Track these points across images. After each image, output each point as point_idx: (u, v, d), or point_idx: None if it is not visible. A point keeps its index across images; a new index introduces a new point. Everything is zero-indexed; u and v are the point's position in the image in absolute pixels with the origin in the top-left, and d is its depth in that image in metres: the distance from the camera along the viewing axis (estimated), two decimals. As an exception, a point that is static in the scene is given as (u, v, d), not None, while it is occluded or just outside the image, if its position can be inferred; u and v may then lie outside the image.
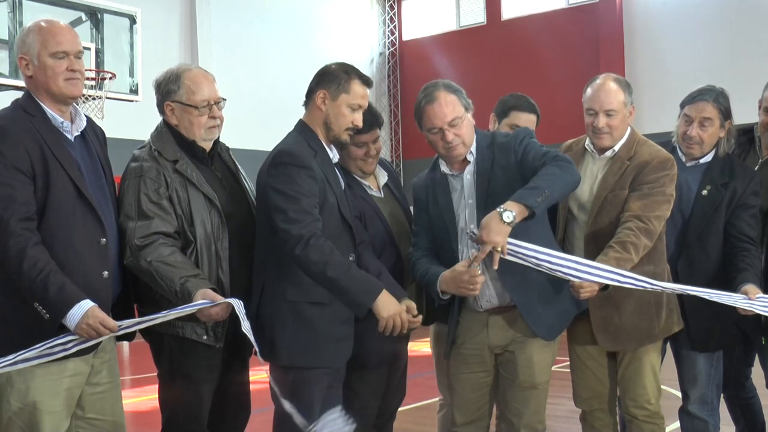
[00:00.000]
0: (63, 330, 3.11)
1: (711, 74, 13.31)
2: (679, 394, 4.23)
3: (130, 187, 3.48)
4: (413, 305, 3.62)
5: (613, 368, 4.02)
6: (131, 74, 10.57)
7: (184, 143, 3.60)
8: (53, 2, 9.45)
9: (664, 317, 3.91)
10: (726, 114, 4.04)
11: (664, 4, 16.68)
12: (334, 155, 3.71)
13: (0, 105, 3.55)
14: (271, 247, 3.52)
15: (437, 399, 4.71)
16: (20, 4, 9.04)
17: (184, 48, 16.16)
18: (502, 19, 18.88)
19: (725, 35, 15.78)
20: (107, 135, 3.62)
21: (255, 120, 14.85)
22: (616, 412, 4.13)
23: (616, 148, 3.89)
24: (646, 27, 16.86)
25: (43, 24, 3.28)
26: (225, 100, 3.70)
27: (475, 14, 19.33)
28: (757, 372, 4.49)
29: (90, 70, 9.20)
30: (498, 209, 3.35)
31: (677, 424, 4.27)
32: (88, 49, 9.34)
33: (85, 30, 9.82)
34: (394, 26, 20.39)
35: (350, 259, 3.63)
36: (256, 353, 3.51)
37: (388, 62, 20.37)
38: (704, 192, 4.03)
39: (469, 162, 3.75)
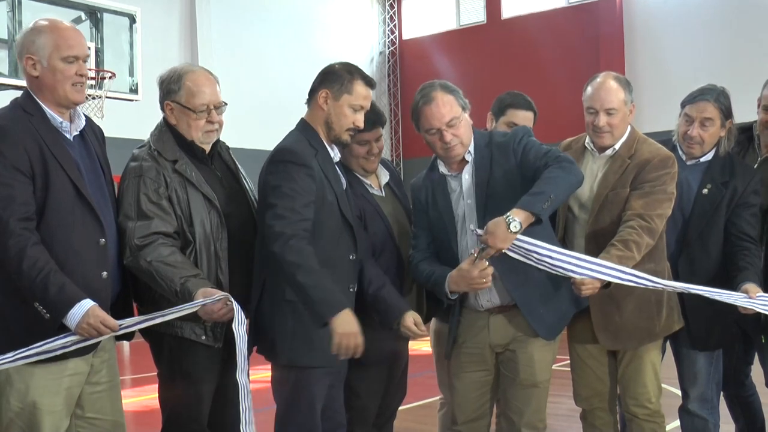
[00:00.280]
0: (63, 329, 3.11)
1: (711, 73, 13.29)
2: (679, 393, 4.24)
3: (129, 186, 3.47)
4: (419, 318, 3.71)
5: (613, 367, 4.02)
6: (131, 73, 10.56)
7: (183, 143, 3.60)
8: (53, 1, 9.44)
9: (665, 316, 3.91)
10: (727, 113, 4.04)
11: (664, 3, 16.67)
12: (335, 154, 3.71)
13: (-1, 104, 3.56)
14: None
15: (438, 398, 4.71)
16: (20, 3, 9.03)
17: (183, 47, 16.15)
18: (502, 18, 18.87)
19: (725, 34, 15.77)
20: (107, 134, 3.62)
21: (255, 119, 14.85)
22: (617, 410, 4.13)
23: (617, 146, 3.89)
24: (647, 26, 16.85)
25: (54, 25, 3.27)
26: (226, 104, 3.67)
27: (475, 13, 19.32)
28: (756, 370, 4.49)
29: (90, 70, 9.20)
30: (505, 217, 3.35)
31: (677, 422, 4.28)
32: (88, 48, 9.32)
33: (84, 29, 9.82)
34: (394, 25, 20.38)
35: (351, 258, 3.64)
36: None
37: (388, 61, 20.36)
38: (705, 191, 4.03)
39: (468, 162, 3.75)
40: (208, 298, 3.28)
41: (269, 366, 3.69)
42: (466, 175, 3.76)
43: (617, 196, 3.81)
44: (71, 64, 3.23)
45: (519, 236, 3.39)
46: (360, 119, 3.65)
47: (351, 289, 3.67)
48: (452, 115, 3.64)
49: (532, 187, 3.47)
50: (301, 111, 3.78)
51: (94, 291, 3.18)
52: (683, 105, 4.11)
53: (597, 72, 4.05)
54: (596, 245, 3.73)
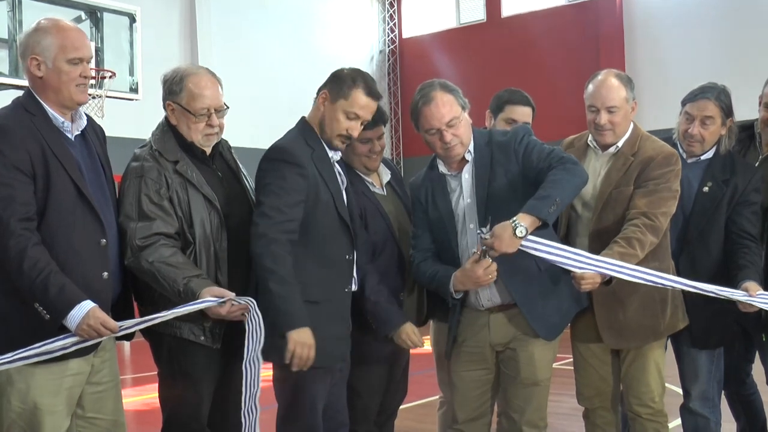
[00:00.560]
0: (64, 330, 3.11)
1: (711, 71, 13.28)
2: (680, 391, 4.23)
3: (130, 187, 3.47)
4: (415, 330, 3.78)
5: (616, 366, 4.02)
6: (131, 73, 10.55)
7: (184, 143, 3.59)
8: (53, 1, 9.44)
9: (669, 314, 3.90)
10: (727, 112, 4.03)
11: (664, 1, 16.66)
12: (335, 153, 3.70)
13: (-1, 104, 3.55)
14: None
15: (438, 397, 4.71)
16: (20, 2, 9.02)
17: (183, 46, 16.15)
18: (502, 17, 18.86)
19: (725, 32, 15.76)
20: (107, 134, 3.62)
21: (254, 118, 14.83)
22: (618, 409, 4.12)
23: (620, 144, 3.88)
24: (647, 24, 16.84)
25: (59, 26, 3.26)
26: (227, 107, 3.66)
27: (474, 11, 19.31)
28: (757, 369, 4.49)
29: (90, 69, 9.19)
30: (511, 222, 3.36)
31: (678, 421, 4.27)
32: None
33: (84, 28, 9.74)
34: (394, 24, 20.37)
35: (347, 258, 3.63)
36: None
37: (388, 60, 20.34)
38: (705, 189, 4.02)
39: (468, 161, 3.74)
40: (216, 299, 3.27)
41: (270, 365, 3.68)
42: (466, 175, 3.75)
43: (621, 194, 3.80)
44: (76, 66, 3.23)
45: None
46: (354, 127, 3.62)
47: (347, 290, 3.67)
48: (452, 115, 3.63)
49: (535, 189, 3.48)
50: (301, 109, 3.77)
51: (95, 291, 3.18)
52: (684, 103, 4.09)
53: (597, 70, 4.04)
54: (600, 243, 3.72)
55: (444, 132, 3.63)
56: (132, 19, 10.52)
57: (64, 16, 3.62)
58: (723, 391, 4.30)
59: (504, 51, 18.21)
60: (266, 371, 3.74)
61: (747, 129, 4.34)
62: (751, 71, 9.15)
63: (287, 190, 3.46)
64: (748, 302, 3.58)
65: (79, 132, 3.35)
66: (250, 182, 3.79)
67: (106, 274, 3.27)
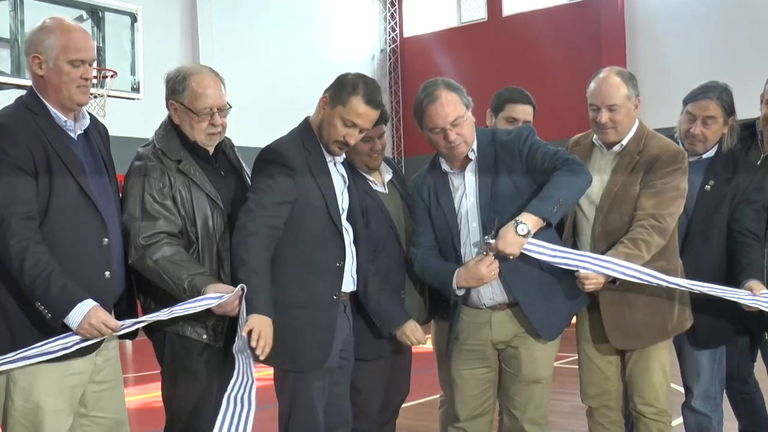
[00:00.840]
0: (65, 329, 3.11)
1: (712, 69, 13.29)
2: (682, 390, 4.23)
3: (134, 185, 3.47)
4: (418, 327, 3.78)
5: (621, 365, 4.00)
6: (132, 72, 10.56)
7: (187, 143, 3.59)
8: (55, 0, 9.44)
9: (677, 314, 3.89)
10: (729, 110, 4.02)
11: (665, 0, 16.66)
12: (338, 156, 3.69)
13: (0, 104, 3.55)
14: None
15: (438, 395, 4.70)
16: (21, 2, 9.03)
17: (185, 45, 16.16)
18: (503, 15, 18.87)
19: (727, 30, 15.76)
20: (109, 133, 3.62)
21: (255, 117, 14.82)
22: (622, 408, 4.11)
23: (624, 142, 3.85)
24: (648, 22, 16.84)
25: (64, 26, 3.26)
26: (230, 107, 3.65)
27: (476, 10, 19.32)
28: (759, 367, 4.48)
29: (93, 70, 9.18)
30: (514, 222, 3.37)
31: (680, 419, 4.27)
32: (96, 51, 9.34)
33: (86, 28, 9.73)
34: (395, 23, 20.37)
35: (337, 265, 3.62)
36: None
37: (390, 59, 20.35)
38: (707, 187, 4.01)
39: (471, 160, 3.74)
40: (219, 295, 3.27)
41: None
42: (469, 174, 3.75)
43: (627, 194, 3.78)
44: (77, 68, 3.22)
45: (532, 240, 3.40)
46: (351, 135, 3.59)
47: (335, 297, 3.63)
48: (457, 114, 3.62)
49: (539, 189, 3.47)
50: (302, 108, 3.77)
51: (97, 291, 3.18)
52: (685, 102, 4.07)
53: (599, 68, 4.01)
54: (606, 243, 3.71)
55: (448, 131, 3.62)
56: (133, 18, 10.53)
57: (66, 15, 3.61)
58: (725, 390, 4.29)
59: (505, 50, 18.21)
60: (266, 370, 3.74)
61: (749, 127, 4.33)
62: (753, 69, 9.16)
63: (273, 189, 3.46)
64: (752, 304, 3.57)
65: (82, 131, 3.35)
66: (252, 181, 3.78)
67: (108, 273, 3.27)
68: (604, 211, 3.80)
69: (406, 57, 20.25)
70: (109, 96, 10.15)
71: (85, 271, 3.19)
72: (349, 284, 3.71)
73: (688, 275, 3.83)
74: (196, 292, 3.30)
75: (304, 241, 3.53)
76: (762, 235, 3.98)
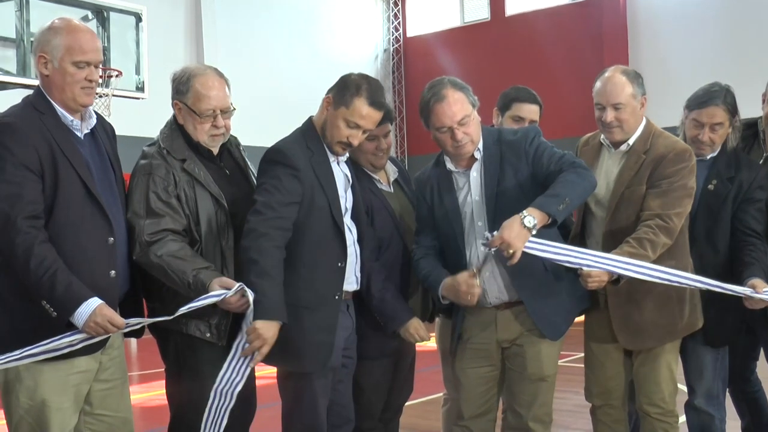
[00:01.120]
0: (71, 327, 3.10)
1: (714, 68, 13.26)
2: (685, 389, 4.22)
3: (139, 184, 3.47)
4: (421, 325, 3.80)
5: (628, 365, 3.99)
6: (137, 72, 10.55)
7: (191, 142, 3.59)
8: (60, 0, 9.44)
9: (687, 314, 3.87)
10: (734, 112, 4.00)
11: (667, -1, 16.66)
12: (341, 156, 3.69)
13: (6, 103, 3.54)
14: None
15: (442, 394, 4.70)
16: (27, 2, 9.02)
17: (189, 45, 16.17)
18: (506, 15, 18.87)
19: (728, 30, 15.75)
20: (115, 132, 3.61)
21: (259, 117, 14.84)
22: (626, 407, 4.10)
23: (631, 141, 3.83)
24: (650, 22, 16.83)
25: (72, 27, 3.25)
26: (234, 109, 3.65)
27: (478, 10, 19.32)
28: (762, 366, 4.47)
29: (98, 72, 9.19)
30: (520, 214, 3.34)
31: (684, 418, 4.26)
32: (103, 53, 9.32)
33: (91, 28, 9.79)
34: (399, 23, 20.37)
35: (339, 265, 3.61)
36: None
37: (393, 59, 20.35)
38: (710, 186, 3.99)
39: (476, 159, 3.73)
40: (224, 291, 3.27)
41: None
42: (475, 173, 3.74)
43: (634, 194, 3.76)
44: (81, 69, 3.22)
45: (535, 239, 3.38)
46: (355, 136, 3.59)
47: (336, 297, 3.62)
48: (464, 113, 3.62)
49: (544, 190, 3.46)
50: (305, 108, 3.76)
51: (102, 289, 3.17)
52: (690, 108, 4.03)
53: (601, 68, 4.00)
54: (613, 243, 3.68)
55: (455, 130, 3.61)
56: (138, 18, 10.52)
57: (71, 15, 3.61)
58: (727, 389, 4.28)
59: (508, 49, 18.21)
60: (270, 369, 3.74)
61: (751, 126, 4.31)
62: (754, 68, 9.15)
63: (280, 190, 3.45)
64: (756, 297, 3.55)
65: (89, 130, 3.34)
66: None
67: (113, 272, 3.26)
68: (612, 210, 3.79)
69: (410, 57, 20.25)
70: (113, 95, 10.15)
71: (91, 270, 3.18)
72: (352, 283, 3.70)
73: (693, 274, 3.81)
74: (201, 286, 3.29)
75: (307, 242, 3.52)
76: (765, 234, 3.97)
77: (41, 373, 3.18)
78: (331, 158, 3.65)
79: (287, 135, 3.69)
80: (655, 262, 3.57)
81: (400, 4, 20.40)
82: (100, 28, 10.01)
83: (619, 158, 3.87)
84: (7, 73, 9.09)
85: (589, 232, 3.90)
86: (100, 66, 3.31)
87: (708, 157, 4.05)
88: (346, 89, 3.57)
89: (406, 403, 4.28)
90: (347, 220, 3.67)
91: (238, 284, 3.30)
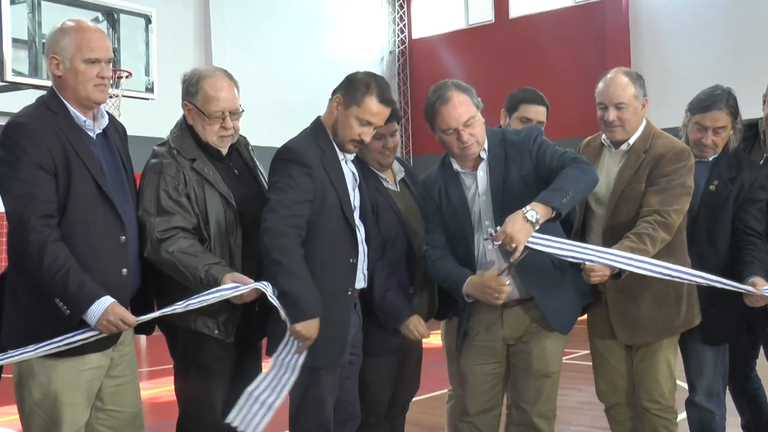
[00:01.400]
0: (84, 325, 3.11)
1: (715, 70, 13.24)
2: (686, 386, 4.22)
3: (150, 182, 3.47)
4: (421, 322, 3.81)
5: (630, 361, 4.00)
6: (147, 73, 10.56)
7: (201, 142, 3.60)
8: (71, 3, 9.46)
9: (685, 310, 3.88)
10: (736, 114, 4.01)
11: (669, 2, 16.63)
12: (349, 153, 3.69)
13: (19, 104, 3.55)
14: None
15: (447, 390, 4.70)
16: (39, 4, 9.04)
17: (198, 47, 16.18)
18: (509, 17, 18.85)
19: (729, 31, 15.72)
20: (127, 132, 3.61)
21: (265, 117, 14.85)
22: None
23: (631, 141, 3.86)
24: (652, 24, 16.81)
25: (79, 27, 3.26)
26: (243, 111, 3.65)
27: (483, 12, 19.30)
28: (762, 364, 4.47)
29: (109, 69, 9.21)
30: (523, 209, 3.34)
31: (684, 415, 4.26)
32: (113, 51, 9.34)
33: (102, 29, 9.81)
34: (404, 25, 20.36)
35: (350, 261, 3.63)
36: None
37: (398, 60, 20.35)
38: (711, 187, 4.00)
39: (483, 159, 3.74)
40: (235, 285, 3.27)
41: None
42: (481, 173, 3.75)
43: (633, 192, 3.79)
44: (92, 66, 3.22)
45: (538, 235, 3.38)
46: (367, 133, 3.62)
47: (349, 292, 3.65)
48: (469, 114, 3.63)
49: (548, 185, 3.46)
50: (312, 109, 3.76)
51: (114, 287, 3.18)
52: (693, 111, 4.04)
53: (603, 69, 4.03)
54: (613, 240, 3.69)
55: (461, 131, 3.62)
56: (148, 20, 10.53)
57: (82, 17, 3.62)
58: (728, 386, 4.28)
59: (512, 51, 18.21)
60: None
61: (752, 127, 4.31)
62: (756, 70, 9.12)
63: (294, 188, 3.46)
64: (756, 294, 3.55)
65: (101, 130, 3.35)
66: (266, 179, 3.78)
67: (125, 270, 3.27)
68: (612, 208, 3.81)
69: (415, 58, 20.24)
70: (123, 96, 10.17)
71: (103, 268, 3.19)
72: (360, 281, 3.71)
73: (695, 274, 3.81)
74: (212, 281, 3.29)
75: (319, 239, 3.52)
76: (766, 234, 3.97)
77: (54, 369, 3.19)
78: (340, 156, 3.66)
79: (296, 135, 3.69)
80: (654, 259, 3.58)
81: (405, 7, 20.40)
82: (111, 30, 10.02)
83: (620, 157, 3.88)
84: (20, 74, 9.11)
85: (590, 229, 3.92)
86: (111, 66, 3.30)
87: (710, 158, 4.05)
88: (356, 88, 3.59)
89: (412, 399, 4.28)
90: (356, 218, 3.68)
91: (248, 281, 3.30)
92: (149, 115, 10.44)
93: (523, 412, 3.82)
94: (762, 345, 4.36)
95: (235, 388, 3.65)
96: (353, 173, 3.74)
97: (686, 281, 3.66)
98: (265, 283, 3.36)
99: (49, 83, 3.35)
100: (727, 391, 4.29)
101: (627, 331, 3.88)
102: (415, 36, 20.32)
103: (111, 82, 3.41)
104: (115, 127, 3.47)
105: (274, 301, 3.33)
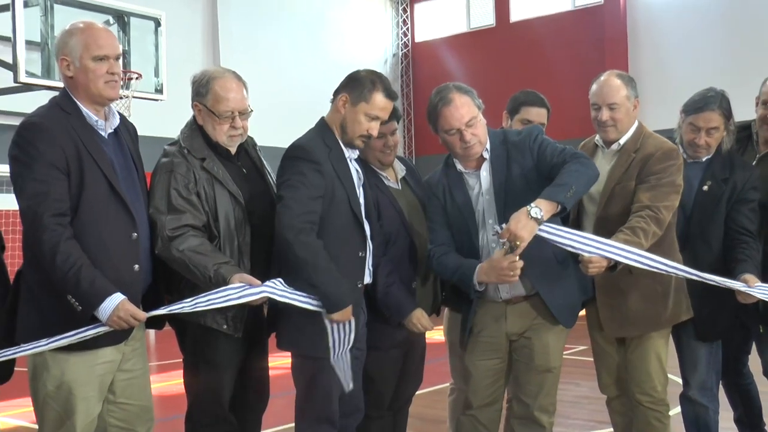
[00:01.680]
0: (95, 320, 3.12)
1: (710, 73, 13.25)
2: (680, 381, 4.23)
3: (160, 181, 3.48)
4: (424, 315, 3.83)
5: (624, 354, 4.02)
6: (156, 74, 10.58)
7: (210, 142, 3.61)
8: (83, 6, 9.48)
9: (671, 305, 3.90)
10: (728, 116, 4.03)
11: (666, 7, 16.63)
12: (353, 152, 3.71)
13: (33, 104, 3.57)
14: None
15: (448, 384, 4.71)
16: (52, 7, 9.06)
17: (206, 49, 16.19)
18: (510, 21, 18.85)
19: (724, 37, 15.73)
20: (137, 132, 3.63)
21: (271, 118, 14.85)
22: None
23: (622, 141, 3.89)
24: (649, 28, 16.82)
25: (86, 27, 3.27)
26: (251, 111, 3.67)
27: (484, 16, 19.30)
28: (754, 359, 4.48)
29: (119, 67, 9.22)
30: (527, 206, 3.35)
31: (679, 409, 4.27)
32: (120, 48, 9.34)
33: (112, 32, 9.82)
34: (407, 28, 20.37)
35: (360, 255, 3.64)
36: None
37: (401, 63, 20.35)
38: (705, 187, 4.02)
39: (485, 159, 3.75)
40: (244, 285, 3.28)
41: (288, 354, 3.70)
42: (484, 173, 3.76)
43: (623, 189, 3.81)
44: (102, 63, 3.23)
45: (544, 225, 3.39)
46: (374, 128, 3.64)
47: (359, 285, 3.67)
48: (471, 115, 3.64)
49: (549, 183, 3.47)
50: (316, 110, 3.77)
51: (126, 283, 3.19)
52: (687, 113, 4.05)
53: (602, 72, 4.04)
54: (604, 235, 3.68)
55: (464, 132, 3.63)
56: (157, 23, 10.55)
57: (93, 20, 3.62)
58: (721, 381, 4.29)
59: (512, 54, 18.21)
60: (283, 359, 3.76)
61: (745, 129, 4.33)
62: (749, 73, 9.11)
63: (306, 185, 3.48)
64: (747, 292, 3.57)
65: (112, 130, 3.36)
66: (273, 179, 3.79)
67: (137, 266, 3.28)
68: (602, 205, 3.84)
69: (417, 61, 20.24)
70: (134, 97, 10.19)
71: (116, 264, 3.20)
72: (366, 276, 3.73)
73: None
74: (221, 280, 3.30)
75: (329, 234, 3.53)
76: (757, 233, 3.98)
77: (68, 362, 3.20)
78: (346, 154, 3.68)
79: (302, 135, 3.71)
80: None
81: (408, 11, 20.40)
82: (121, 33, 10.05)
83: (611, 157, 3.92)
84: (33, 75, 9.13)
85: (581, 225, 3.93)
86: (120, 64, 3.31)
87: (703, 159, 4.07)
88: (362, 86, 3.61)
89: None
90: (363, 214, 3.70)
91: (256, 282, 3.31)
92: (158, 116, 10.45)
93: (525, 405, 3.83)
94: (754, 341, 4.37)
95: (240, 382, 3.67)
96: (357, 171, 3.75)
97: (684, 277, 3.67)
98: (274, 282, 3.37)
99: (61, 84, 3.36)
100: (720, 386, 4.30)
101: (615, 326, 3.91)
102: (417, 39, 20.32)
103: (122, 83, 3.41)
104: (125, 126, 3.48)
105: (288, 300, 3.35)
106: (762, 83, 4.24)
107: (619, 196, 3.82)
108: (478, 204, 3.77)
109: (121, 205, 3.23)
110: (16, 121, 3.42)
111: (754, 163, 4.18)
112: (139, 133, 3.59)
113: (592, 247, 3.49)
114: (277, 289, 3.37)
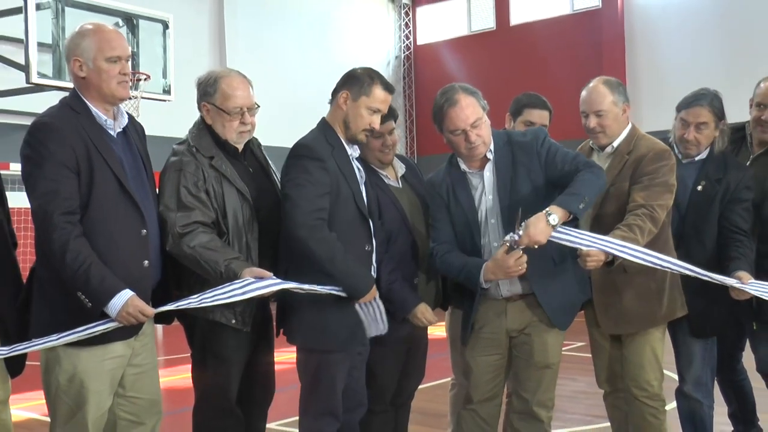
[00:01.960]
0: (105, 316, 3.12)
1: (706, 76, 13.21)
2: (676, 376, 4.23)
3: (170, 179, 3.49)
4: (429, 309, 3.85)
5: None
6: (164, 76, 10.60)
7: (218, 141, 3.62)
8: (93, 9, 9.50)
9: (666, 302, 3.90)
10: (720, 115, 4.03)
11: (663, 11, 16.62)
12: (354, 150, 3.72)
13: (44, 104, 3.57)
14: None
15: (450, 379, 4.71)
16: (63, 10, 9.08)
17: (212, 51, 16.20)
18: (510, 25, 18.85)
19: (719, 40, 15.73)
20: (145, 132, 3.63)
21: (276, 118, 14.85)
22: None
23: (616, 143, 3.91)
24: (646, 32, 16.80)
25: (98, 28, 3.28)
26: (258, 106, 3.69)
27: (485, 20, 19.30)
28: (747, 356, 4.48)
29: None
30: (545, 212, 3.38)
31: (674, 404, 4.27)
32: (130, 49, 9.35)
33: (118, 30, 9.83)
34: (409, 31, 20.36)
35: (366, 249, 3.66)
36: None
37: (404, 65, 20.35)
38: (699, 187, 4.02)
39: (489, 159, 3.75)
40: (254, 279, 3.28)
41: (294, 348, 3.71)
42: (488, 173, 3.76)
43: (618, 190, 3.82)
44: (115, 64, 3.24)
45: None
46: (376, 121, 3.66)
47: None
48: (476, 116, 3.65)
49: (556, 189, 3.53)
50: (319, 111, 3.78)
51: (136, 279, 3.20)
52: (679, 109, 4.08)
53: (600, 75, 4.06)
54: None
55: (469, 132, 3.64)
56: (165, 25, 10.57)
57: (103, 22, 3.63)
58: (715, 377, 4.29)
59: (512, 57, 18.21)
60: (288, 354, 3.77)
61: (739, 130, 4.34)
62: (744, 76, 9.11)
63: (312, 182, 3.49)
64: (741, 288, 3.57)
65: (121, 129, 3.36)
66: (278, 177, 3.80)
67: (146, 262, 3.28)
68: (598, 205, 3.83)
69: (419, 63, 20.25)
70: (142, 98, 10.20)
71: (126, 260, 3.20)
72: (373, 269, 3.73)
73: (683, 272, 3.83)
74: (232, 275, 3.31)
75: (336, 229, 3.53)
76: (750, 232, 3.98)
77: (79, 357, 3.21)
78: (349, 151, 3.69)
79: (305, 134, 3.71)
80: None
81: (411, 14, 20.40)
82: (130, 35, 10.06)
83: (605, 159, 3.93)
84: (44, 76, 9.15)
85: (577, 225, 3.92)
86: (131, 71, 3.32)
87: (697, 159, 4.07)
88: (361, 81, 3.63)
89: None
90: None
91: (267, 275, 3.32)
92: (166, 116, 10.47)
93: (524, 400, 3.84)
94: (748, 338, 4.37)
95: (247, 376, 3.67)
96: (359, 170, 3.76)
97: (684, 274, 3.67)
98: (280, 281, 3.36)
99: (72, 85, 3.37)
100: (715, 382, 4.30)
101: (610, 322, 3.92)
102: (420, 42, 20.32)
103: (131, 84, 3.42)
104: (134, 126, 3.48)
105: (308, 288, 3.40)
106: (756, 85, 4.25)
107: (614, 197, 3.82)
108: (481, 204, 3.77)
109: (131, 203, 3.23)
110: (28, 121, 3.42)
111: (747, 163, 4.18)
112: (147, 133, 3.59)
113: (611, 248, 3.49)
114: (290, 282, 3.38)
